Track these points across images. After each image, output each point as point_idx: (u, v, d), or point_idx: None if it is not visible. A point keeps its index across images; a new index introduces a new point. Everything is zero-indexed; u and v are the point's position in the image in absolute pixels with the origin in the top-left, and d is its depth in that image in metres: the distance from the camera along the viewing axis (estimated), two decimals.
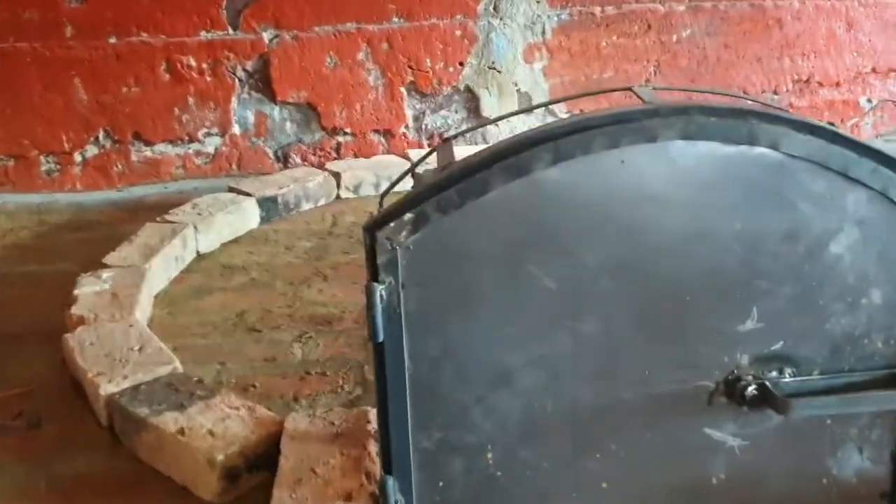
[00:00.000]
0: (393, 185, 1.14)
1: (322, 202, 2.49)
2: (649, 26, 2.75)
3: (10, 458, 1.33)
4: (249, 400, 1.44)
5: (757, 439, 1.04)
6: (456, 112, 2.79)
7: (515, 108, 2.79)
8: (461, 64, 2.73)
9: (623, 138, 0.91)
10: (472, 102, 2.78)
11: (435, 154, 1.18)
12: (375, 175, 2.57)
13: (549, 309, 0.98)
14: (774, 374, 1.01)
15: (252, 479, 1.22)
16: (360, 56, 2.68)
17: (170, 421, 1.25)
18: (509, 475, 1.03)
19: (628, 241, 0.96)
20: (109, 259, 1.88)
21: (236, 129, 2.70)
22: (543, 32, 2.73)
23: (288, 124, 2.73)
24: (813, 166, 0.93)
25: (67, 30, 2.47)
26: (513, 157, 0.92)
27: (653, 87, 1.04)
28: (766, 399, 0.99)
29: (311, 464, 1.14)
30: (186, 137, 2.68)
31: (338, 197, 2.53)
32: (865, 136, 2.96)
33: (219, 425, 1.24)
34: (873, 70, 2.91)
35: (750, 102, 1.09)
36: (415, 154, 2.69)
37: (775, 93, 2.87)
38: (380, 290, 0.95)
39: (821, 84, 2.89)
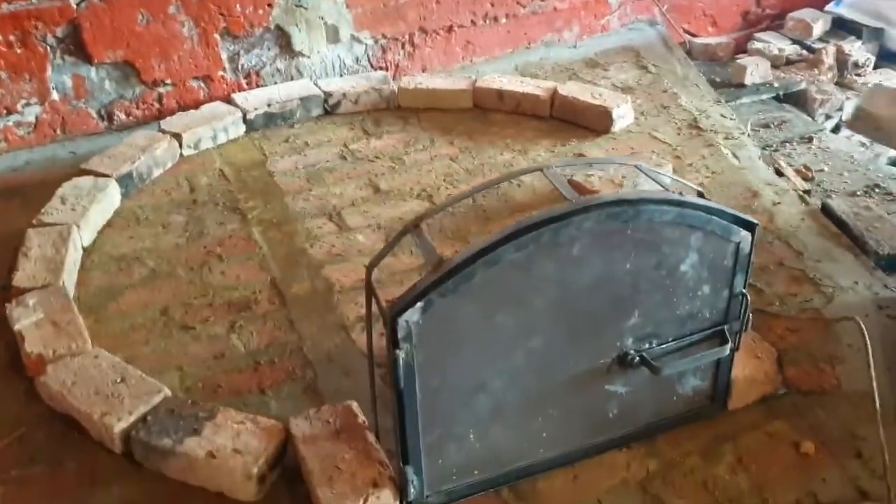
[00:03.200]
0: (378, 259, 1.45)
1: (170, 164, 2.63)
2: None
3: (47, 500, 1.58)
4: (221, 400, 1.77)
5: (636, 385, 1.57)
6: (269, 49, 2.96)
7: (324, 40, 3.01)
8: (269, 5, 2.87)
9: (561, 230, 1.32)
10: (282, 39, 2.95)
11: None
12: (212, 129, 2.73)
13: (510, 338, 1.42)
14: (647, 346, 1.53)
15: (273, 476, 1.58)
16: (172, 10, 2.74)
17: (196, 447, 1.56)
18: (485, 445, 1.49)
19: (560, 288, 1.40)
20: (20, 280, 2.00)
21: (55, 96, 2.70)
22: None
23: (107, 83, 2.76)
24: (673, 224, 1.40)
25: None
26: (490, 251, 1.30)
27: (558, 166, 1.44)
28: (645, 365, 1.51)
29: (332, 462, 1.52)
30: (4, 111, 2.64)
31: (181, 156, 2.68)
32: (613, 27, 3.51)
33: (238, 443, 1.57)
34: None
35: (642, 173, 1.52)
36: (240, 99, 2.86)
37: None
38: (400, 354, 1.33)
39: None
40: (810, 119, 3.21)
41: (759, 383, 1.70)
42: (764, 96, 3.27)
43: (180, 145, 2.67)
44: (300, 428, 1.59)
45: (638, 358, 1.51)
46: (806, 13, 3.72)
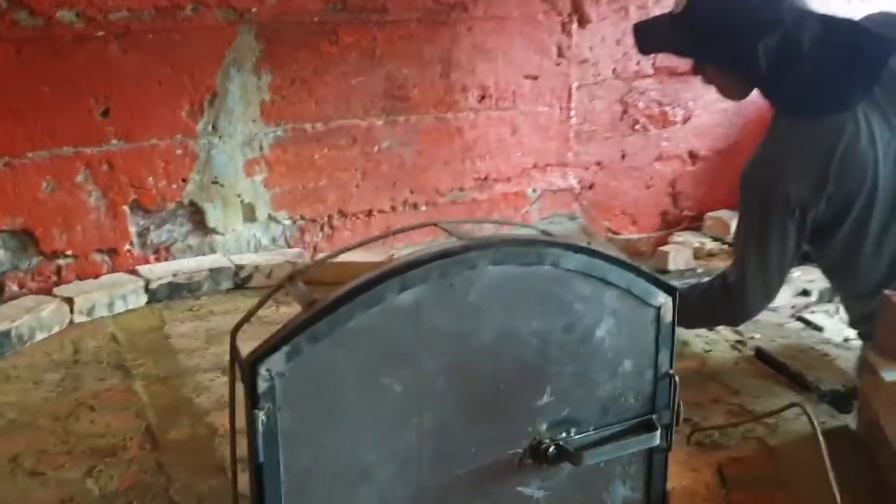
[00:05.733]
0: (244, 320, 1.26)
1: (56, 329, 2.42)
2: (354, 139, 3.06)
3: None
4: None
5: (554, 489, 1.32)
6: (181, 226, 2.86)
7: (240, 218, 2.93)
8: (184, 180, 2.81)
9: (451, 268, 1.16)
10: (196, 215, 2.87)
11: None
12: (108, 296, 2.55)
13: (397, 410, 1.19)
14: (564, 434, 1.31)
15: None
16: (80, 178, 2.66)
17: None
18: None
19: (455, 346, 1.21)
20: None
21: None
22: (261, 148, 2.91)
23: (2, 252, 2.60)
24: (581, 275, 1.25)
25: None
26: (369, 289, 1.12)
27: (457, 221, 1.30)
28: (563, 455, 1.28)
29: None
30: None
31: (71, 322, 2.47)
32: (533, 220, 3.53)
33: None
34: (534, 165, 3.49)
35: (531, 231, 1.40)
36: (144, 270, 2.71)
37: (461, 189, 3.33)
38: (260, 416, 1.09)
39: (496, 180, 3.40)
40: None
41: (701, 499, 1.46)
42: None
43: (71, 311, 2.47)
44: None
45: (554, 447, 1.27)
46: (723, 213, 3.82)
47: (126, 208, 2.75)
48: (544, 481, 1.30)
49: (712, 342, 2.29)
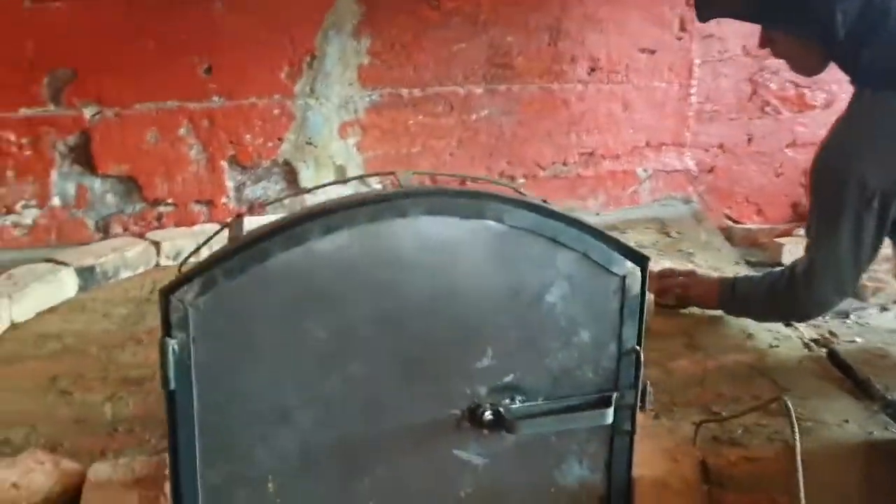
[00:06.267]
0: (190, 255, 1.28)
1: (141, 269, 2.57)
2: (452, 107, 3.04)
3: None
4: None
5: (496, 457, 1.25)
6: (275, 183, 2.96)
7: (331, 178, 2.99)
8: (280, 139, 2.90)
9: (381, 214, 1.12)
10: (290, 175, 2.95)
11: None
12: (196, 243, 2.66)
13: (321, 355, 1.17)
14: (507, 401, 1.23)
15: None
16: (182, 132, 2.81)
17: None
18: (288, 501, 1.19)
19: (387, 298, 1.17)
20: None
21: (56, 202, 2.75)
22: (356, 111, 2.96)
23: (109, 196, 2.80)
24: (530, 234, 1.17)
25: None
26: (290, 229, 1.11)
27: (413, 173, 1.26)
28: (500, 422, 1.21)
29: None
30: (3, 209, 2.70)
31: (157, 265, 2.62)
32: (643, 201, 3.36)
33: (23, 478, 1.33)
34: (647, 144, 3.32)
35: (495, 186, 1.33)
36: None
37: (564, 164, 3.22)
38: (172, 344, 1.11)
39: (603, 156, 3.27)
40: (856, 302, 2.87)
41: (674, 493, 1.34)
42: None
43: (158, 253, 2.62)
44: (97, 472, 1.34)
45: (491, 412, 1.21)
46: None
47: (224, 163, 2.87)
48: (484, 448, 1.23)
49: (782, 338, 2.09)
